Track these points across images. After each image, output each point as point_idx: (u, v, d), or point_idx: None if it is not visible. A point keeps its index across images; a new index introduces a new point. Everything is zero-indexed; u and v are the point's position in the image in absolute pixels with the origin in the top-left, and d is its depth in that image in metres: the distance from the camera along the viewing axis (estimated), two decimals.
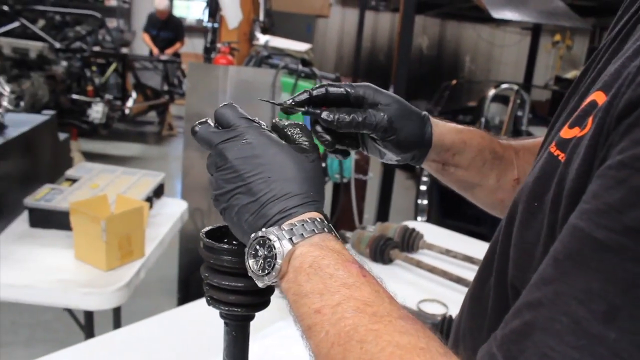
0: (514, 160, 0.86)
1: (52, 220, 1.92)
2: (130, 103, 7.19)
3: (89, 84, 6.49)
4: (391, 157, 0.81)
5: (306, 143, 0.66)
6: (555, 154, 0.54)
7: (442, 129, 0.81)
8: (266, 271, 0.57)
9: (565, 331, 0.40)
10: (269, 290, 0.66)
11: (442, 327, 1.51)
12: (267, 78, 3.25)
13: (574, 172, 0.48)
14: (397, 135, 0.76)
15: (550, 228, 0.50)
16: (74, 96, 6.37)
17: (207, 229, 0.69)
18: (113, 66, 6.90)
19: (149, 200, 2.18)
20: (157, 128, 8.92)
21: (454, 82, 7.17)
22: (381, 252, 1.99)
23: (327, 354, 0.50)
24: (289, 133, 0.67)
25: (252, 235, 0.58)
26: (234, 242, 0.65)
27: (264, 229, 0.58)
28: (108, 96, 6.61)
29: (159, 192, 2.35)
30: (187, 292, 3.34)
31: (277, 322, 1.48)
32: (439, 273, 1.90)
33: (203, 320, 1.52)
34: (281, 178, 0.60)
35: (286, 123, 0.68)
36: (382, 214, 4.05)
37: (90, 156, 6.13)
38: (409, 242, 2.10)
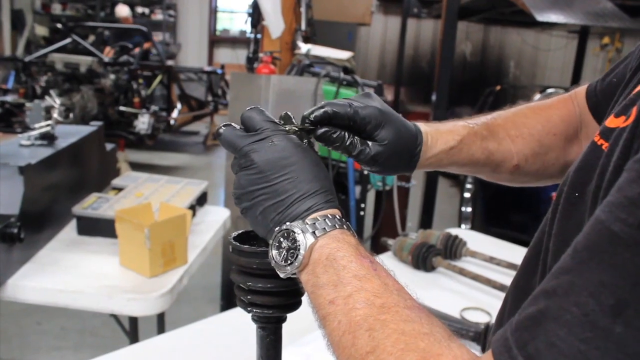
0: (512, 148, 0.86)
1: (98, 228, 1.97)
2: (175, 114, 7.35)
3: (136, 96, 6.67)
4: None
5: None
6: (599, 143, 0.55)
7: (434, 150, 0.81)
8: (289, 262, 0.60)
9: (574, 322, 0.40)
10: (300, 291, 0.69)
11: (486, 336, 1.48)
12: (309, 86, 3.26)
13: (612, 164, 0.47)
14: (381, 168, 0.78)
15: None
16: (122, 108, 6.55)
17: (235, 233, 0.70)
18: (159, 78, 7.07)
19: (192, 208, 2.21)
20: (201, 138, 9.09)
21: (498, 87, 7.05)
22: (423, 259, 1.97)
23: (339, 341, 0.54)
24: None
25: (277, 228, 0.62)
26: (263, 244, 0.67)
27: (288, 223, 0.61)
28: (154, 107, 6.77)
29: (202, 200, 2.39)
30: (229, 299, 3.37)
31: (318, 330, 1.48)
32: (483, 281, 1.86)
33: (246, 326, 1.52)
34: (307, 178, 0.63)
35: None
36: (426, 222, 4.00)
37: (136, 166, 6.28)
38: (452, 249, 2.07)
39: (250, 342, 1.42)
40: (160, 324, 2.17)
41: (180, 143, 9.02)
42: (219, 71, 8.62)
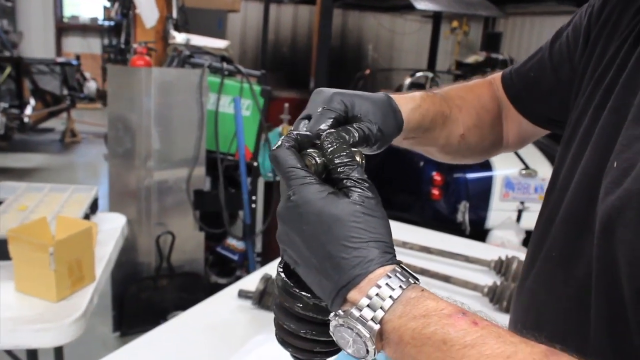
0: (459, 117, 0.87)
1: None
2: (29, 111, 6.70)
3: None
4: None
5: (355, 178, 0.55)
6: None
7: (405, 108, 0.74)
8: (362, 353, 0.51)
9: None
10: None
11: None
12: (192, 78, 3.11)
13: None
14: (384, 139, 0.68)
15: None
16: None
17: (282, 267, 0.59)
18: (7, 71, 6.39)
19: (87, 217, 2.02)
20: (58, 135, 8.40)
21: (368, 71, 7.25)
22: None
23: None
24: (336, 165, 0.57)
25: (333, 322, 0.52)
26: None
27: (340, 312, 0.51)
28: (3, 104, 6.12)
29: (94, 207, 2.18)
30: (121, 310, 3.15)
31: (256, 336, 1.41)
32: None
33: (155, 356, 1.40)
34: (325, 246, 0.52)
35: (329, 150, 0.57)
36: None
37: None
38: None
39: None
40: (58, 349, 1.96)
41: (35, 142, 8.26)
42: (74, 62, 7.99)
